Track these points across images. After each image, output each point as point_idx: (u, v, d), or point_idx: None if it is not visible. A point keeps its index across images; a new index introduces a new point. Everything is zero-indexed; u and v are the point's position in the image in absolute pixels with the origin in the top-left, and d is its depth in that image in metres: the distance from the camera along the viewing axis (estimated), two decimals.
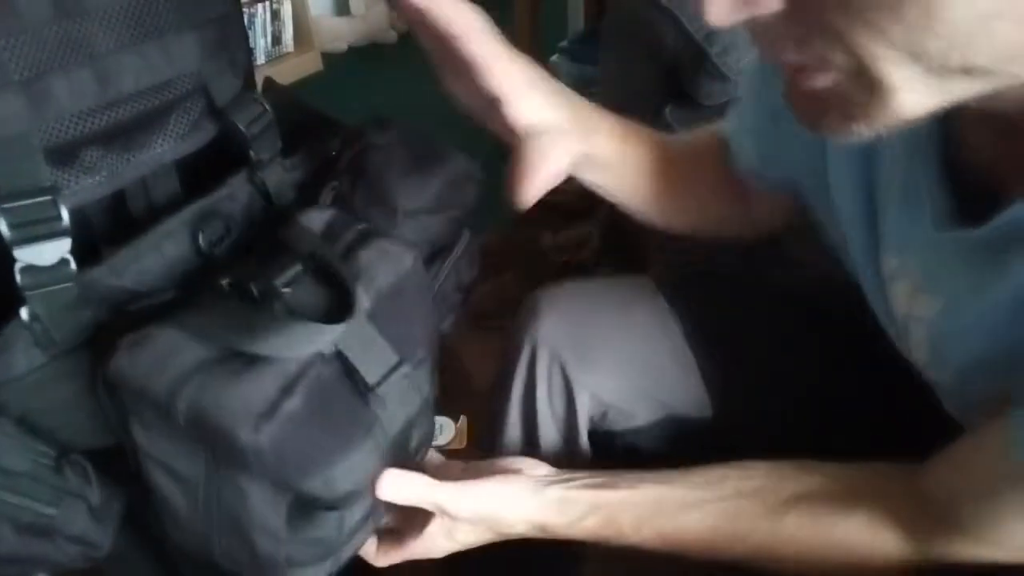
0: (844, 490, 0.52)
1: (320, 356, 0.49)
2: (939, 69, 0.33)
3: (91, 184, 0.51)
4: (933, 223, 0.48)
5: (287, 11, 2.41)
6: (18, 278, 0.48)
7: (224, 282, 0.52)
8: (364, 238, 0.56)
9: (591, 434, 0.70)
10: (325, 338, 0.49)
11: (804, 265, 0.69)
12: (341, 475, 0.50)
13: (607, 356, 0.68)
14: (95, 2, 0.49)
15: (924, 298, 0.50)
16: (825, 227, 0.60)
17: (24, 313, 0.48)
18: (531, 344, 0.69)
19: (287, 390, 0.47)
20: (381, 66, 2.52)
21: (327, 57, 2.50)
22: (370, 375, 0.51)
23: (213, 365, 0.47)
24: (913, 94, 0.34)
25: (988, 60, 0.32)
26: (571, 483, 0.58)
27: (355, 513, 0.54)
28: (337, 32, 2.59)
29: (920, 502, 0.49)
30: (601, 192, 0.66)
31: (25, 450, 0.50)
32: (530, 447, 0.70)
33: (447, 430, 1.22)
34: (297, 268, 0.53)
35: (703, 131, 0.72)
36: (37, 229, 0.48)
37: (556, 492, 0.58)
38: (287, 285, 0.52)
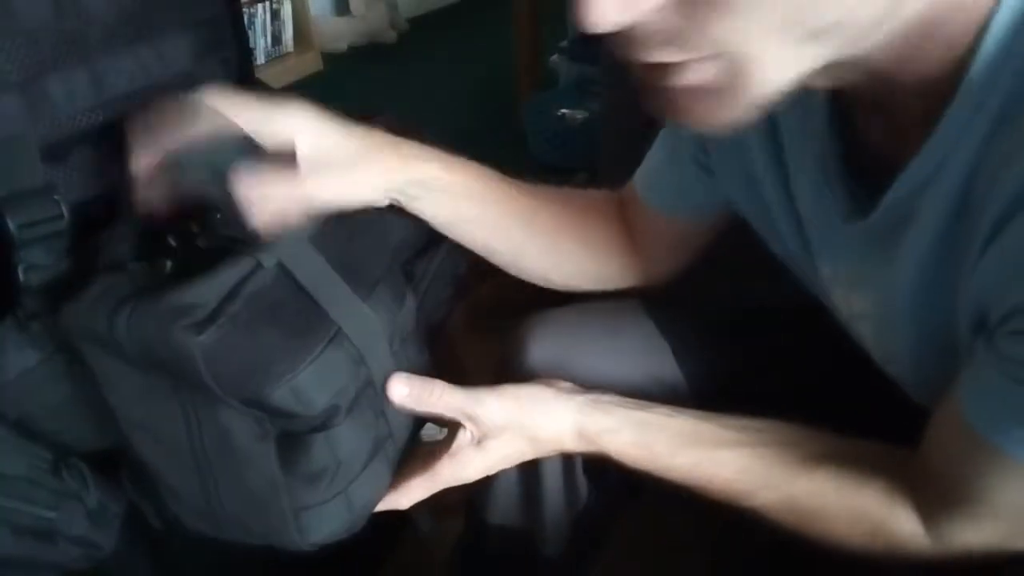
0: (867, 459, 0.52)
1: (260, 268, 0.48)
2: (794, 31, 0.35)
3: (84, 182, 0.52)
4: (841, 218, 0.49)
5: (287, 11, 2.41)
6: (21, 277, 0.49)
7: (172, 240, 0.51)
8: None
9: (585, 463, 0.70)
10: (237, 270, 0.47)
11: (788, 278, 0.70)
12: (310, 384, 0.48)
13: (593, 375, 0.66)
14: (91, 4, 0.49)
15: (856, 296, 0.51)
16: (770, 246, 0.60)
17: (21, 313, 0.49)
18: (522, 377, 0.68)
19: (228, 298, 0.46)
20: (381, 66, 2.52)
21: (327, 57, 2.50)
22: (308, 283, 0.49)
23: (149, 288, 0.46)
24: (774, 68, 0.36)
25: (835, 17, 0.34)
26: (603, 396, 0.57)
27: (347, 438, 0.51)
28: (337, 32, 2.59)
29: (922, 481, 0.50)
30: (446, 231, 0.64)
31: (22, 454, 0.50)
32: (530, 475, 0.69)
33: (445, 429, 1.22)
34: None
35: (581, 191, 0.72)
36: (42, 228, 0.49)
37: (587, 400, 0.56)
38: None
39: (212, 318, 0.45)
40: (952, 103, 0.39)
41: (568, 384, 0.59)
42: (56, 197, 0.49)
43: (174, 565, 0.69)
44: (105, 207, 0.56)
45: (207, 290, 0.46)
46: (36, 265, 0.49)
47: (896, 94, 0.42)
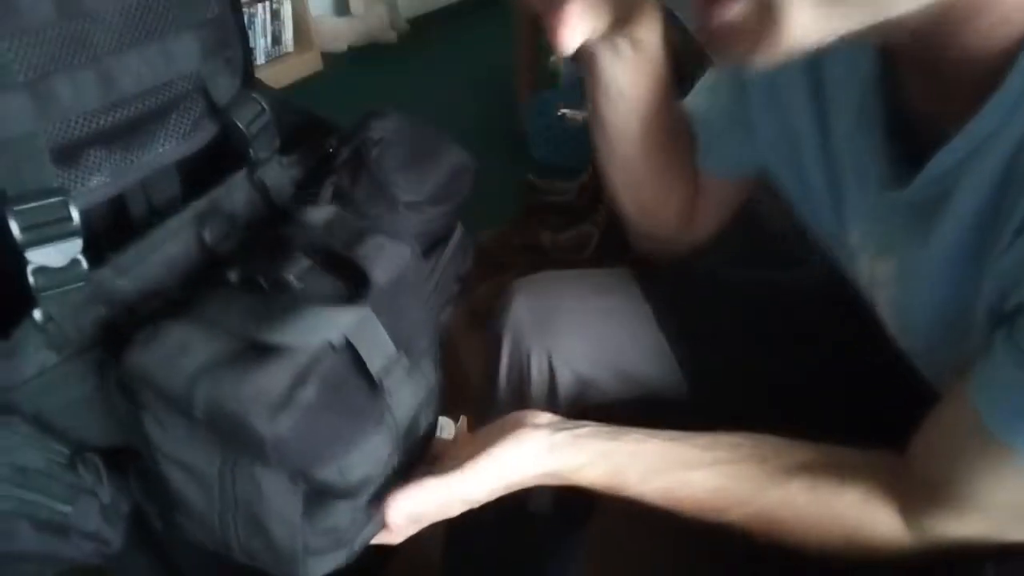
0: (843, 464, 0.53)
1: (330, 346, 0.49)
2: None
3: (96, 185, 0.52)
4: (879, 185, 0.49)
5: (287, 11, 2.41)
6: (31, 280, 0.48)
7: (233, 277, 0.52)
8: (362, 234, 0.56)
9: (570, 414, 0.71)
10: (341, 322, 0.49)
11: (781, 258, 0.70)
12: (356, 464, 0.50)
13: (577, 328, 0.69)
14: (96, 3, 0.49)
15: (882, 263, 0.52)
16: (799, 209, 0.61)
17: (37, 315, 0.49)
18: (509, 328, 0.70)
19: (300, 380, 0.47)
20: (381, 66, 2.52)
21: (327, 57, 2.50)
22: (374, 365, 0.51)
23: (227, 358, 0.47)
24: (804, 20, 0.37)
25: None
26: (579, 430, 0.58)
27: (366, 500, 0.54)
28: (337, 32, 2.59)
29: (908, 478, 0.50)
30: (601, 106, 0.63)
31: (40, 448, 0.50)
32: None
33: (447, 430, 1.22)
34: (306, 261, 0.53)
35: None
36: (49, 231, 0.48)
37: (564, 438, 0.57)
38: (297, 277, 0.52)
39: (285, 403, 0.46)
40: (1006, 79, 0.38)
41: (547, 417, 0.60)
42: (63, 199, 0.48)
43: (174, 564, 0.69)
44: (115, 210, 0.56)
45: (282, 369, 0.47)
46: (46, 267, 0.49)
47: (946, 62, 0.42)
